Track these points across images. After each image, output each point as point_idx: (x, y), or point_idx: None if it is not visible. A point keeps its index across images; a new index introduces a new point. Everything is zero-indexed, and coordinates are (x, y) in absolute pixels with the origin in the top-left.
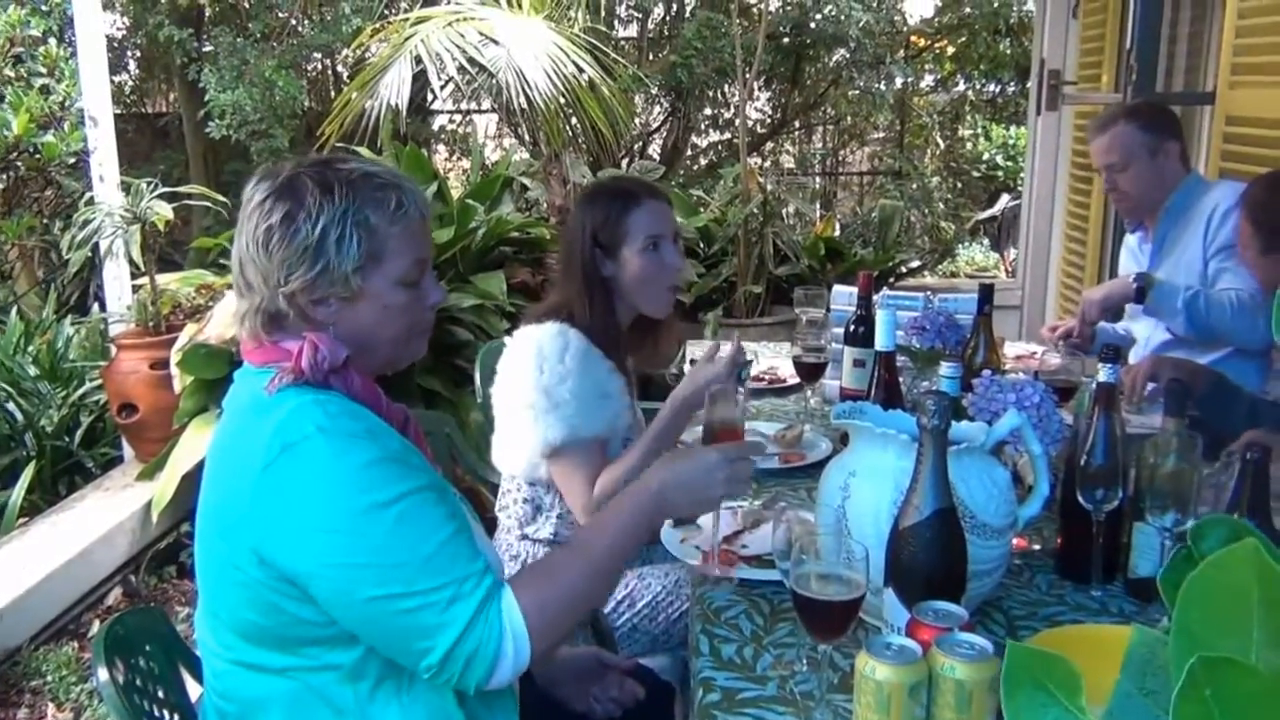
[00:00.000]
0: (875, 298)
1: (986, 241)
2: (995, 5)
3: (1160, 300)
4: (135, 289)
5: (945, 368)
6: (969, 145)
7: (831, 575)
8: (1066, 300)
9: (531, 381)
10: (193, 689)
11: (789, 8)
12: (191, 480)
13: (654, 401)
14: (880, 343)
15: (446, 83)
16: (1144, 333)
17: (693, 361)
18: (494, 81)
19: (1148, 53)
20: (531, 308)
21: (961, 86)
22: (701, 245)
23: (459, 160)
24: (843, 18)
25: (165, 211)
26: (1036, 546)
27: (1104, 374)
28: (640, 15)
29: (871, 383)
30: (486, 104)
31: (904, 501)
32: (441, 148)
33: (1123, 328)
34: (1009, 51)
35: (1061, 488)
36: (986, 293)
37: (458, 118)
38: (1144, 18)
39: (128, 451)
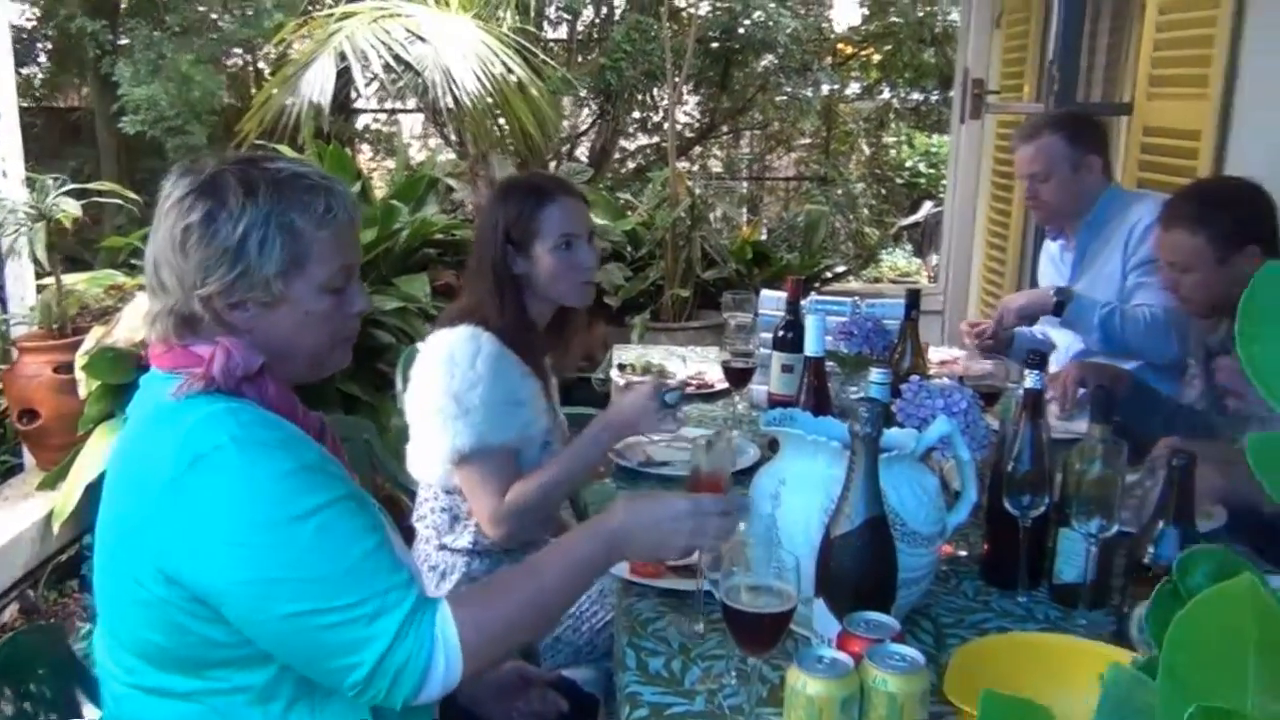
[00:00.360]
0: (803, 303)
1: (910, 247)
2: (920, 15)
3: (1077, 315)
4: (40, 289)
5: (875, 374)
6: (893, 152)
7: (762, 587)
8: (988, 306)
9: (442, 387)
10: (94, 715)
11: (718, 13)
12: (96, 490)
13: (580, 407)
14: (809, 348)
15: (371, 80)
16: (1064, 340)
17: (621, 366)
18: (420, 80)
19: (1069, 63)
20: (445, 310)
21: (886, 94)
22: (629, 249)
23: (383, 160)
24: (771, 24)
25: (73, 209)
26: (963, 553)
27: (1030, 380)
28: (570, 17)
29: (800, 388)
30: (412, 103)
31: (835, 510)
32: (366, 147)
33: (1040, 332)
34: (933, 61)
35: (988, 494)
36: (913, 298)
37: (383, 117)
38: (1065, 29)
39: (28, 459)
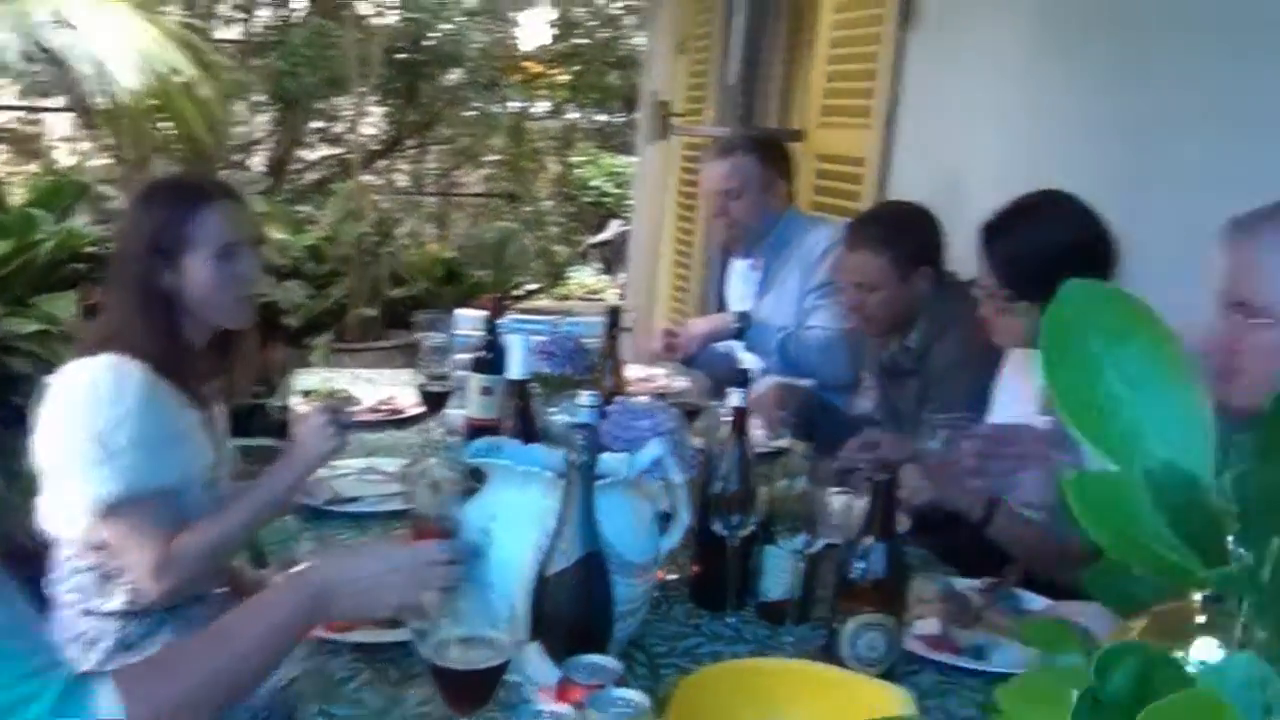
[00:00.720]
0: (500, 322)
1: (599, 265)
2: (606, 38)
3: (756, 339)
4: None
5: (585, 397)
6: (579, 171)
7: (474, 638)
8: (676, 323)
9: (82, 428)
10: None
11: (406, 23)
12: None
13: (256, 438)
14: (514, 370)
15: (6, 71)
16: (750, 355)
17: (306, 393)
18: (69, 74)
19: (751, 89)
20: (82, 336)
21: (573, 114)
22: (310, 265)
23: (25, 164)
24: (460, 38)
25: None
26: (672, 576)
27: (735, 398)
28: (244, 16)
29: (504, 413)
30: (61, 100)
31: (550, 546)
32: (2, 148)
33: (724, 347)
34: (618, 83)
35: (695, 515)
36: (614, 316)
37: (24, 114)
38: (747, 56)
39: None
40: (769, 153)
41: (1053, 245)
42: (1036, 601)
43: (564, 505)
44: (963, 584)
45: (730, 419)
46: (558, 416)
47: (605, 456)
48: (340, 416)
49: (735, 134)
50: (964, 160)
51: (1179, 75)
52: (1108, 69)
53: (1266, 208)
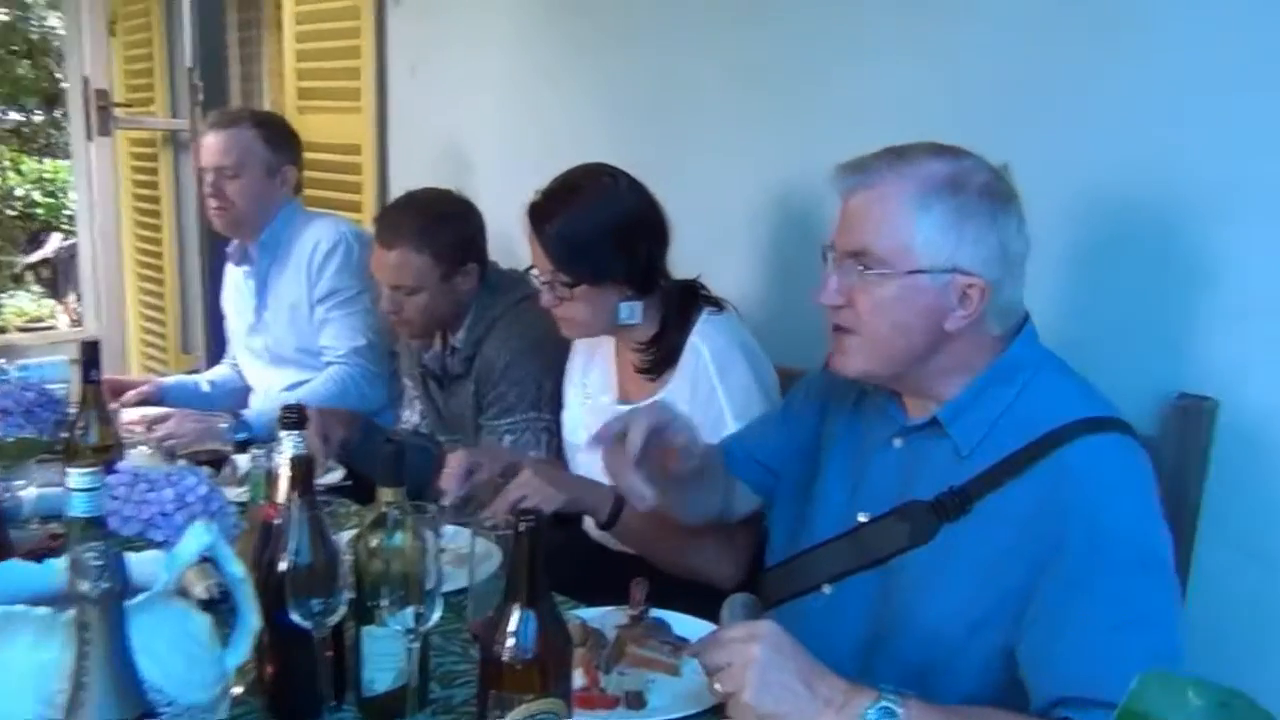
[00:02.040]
0: None
1: (40, 289)
2: (9, 20)
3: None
4: None
5: (76, 476)
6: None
7: None
8: (149, 346)
9: None
10: None
11: None
12: None
13: None
14: None
15: None
16: (260, 381)
17: None
18: None
19: (213, 73)
20: None
21: None
22: None
23: None
24: None
25: None
26: (237, 689)
27: (291, 444)
28: None
29: None
30: None
31: None
32: None
33: (192, 381)
34: (32, 74)
35: (261, 605)
36: (92, 354)
37: None
38: (204, 37)
39: None
40: (280, 135)
41: (606, 223)
42: (690, 624)
43: (78, 656)
44: (592, 616)
45: (292, 472)
46: (24, 492)
47: (130, 559)
48: None
49: (242, 107)
50: (468, 139)
51: (694, 33)
52: (617, 26)
53: (876, 153)
